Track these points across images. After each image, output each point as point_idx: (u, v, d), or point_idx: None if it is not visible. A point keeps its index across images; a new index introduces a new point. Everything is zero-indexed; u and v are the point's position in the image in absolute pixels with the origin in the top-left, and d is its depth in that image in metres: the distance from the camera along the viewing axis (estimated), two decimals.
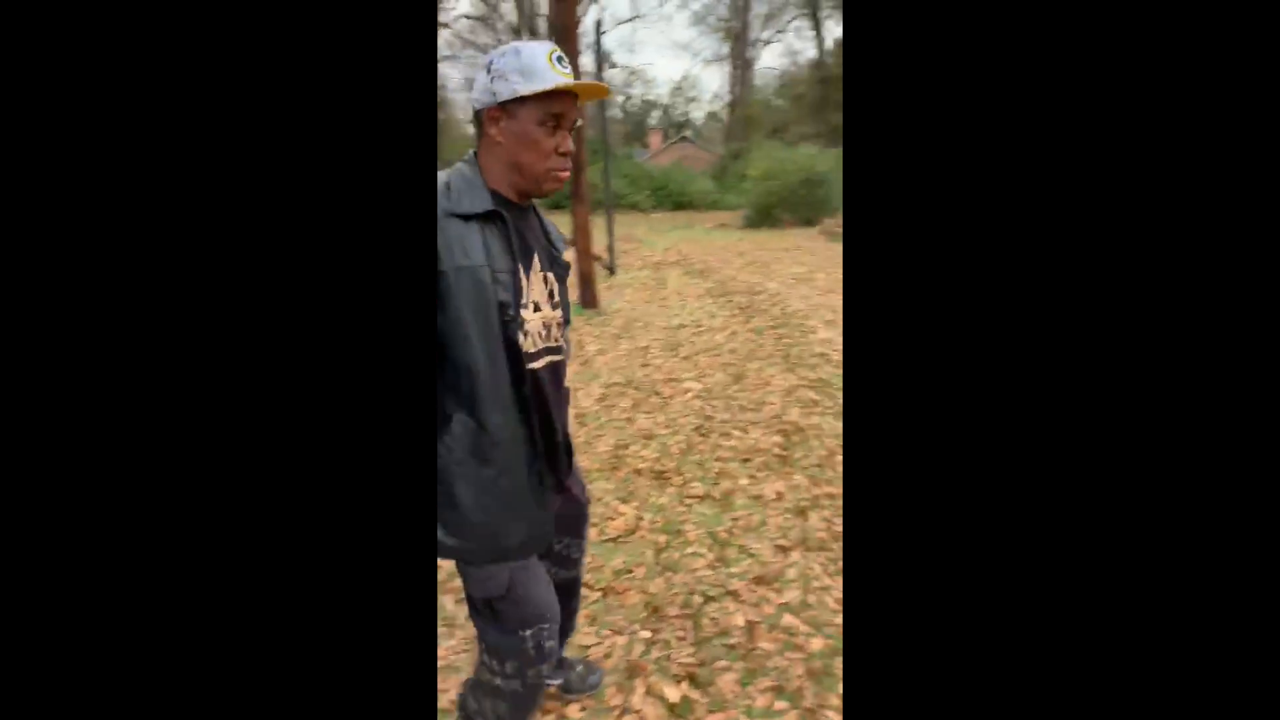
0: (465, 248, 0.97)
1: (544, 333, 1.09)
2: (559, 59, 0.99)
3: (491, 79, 0.99)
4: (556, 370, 1.13)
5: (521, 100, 0.98)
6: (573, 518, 1.32)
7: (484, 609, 1.08)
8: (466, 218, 0.98)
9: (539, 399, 1.06)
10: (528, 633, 1.08)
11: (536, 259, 1.08)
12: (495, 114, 1.01)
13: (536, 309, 1.07)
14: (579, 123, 1.07)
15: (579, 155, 1.10)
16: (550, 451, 1.11)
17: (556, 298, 1.13)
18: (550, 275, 1.12)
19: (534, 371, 1.05)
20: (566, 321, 1.20)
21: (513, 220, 1.04)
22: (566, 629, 1.44)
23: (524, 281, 1.04)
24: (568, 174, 1.06)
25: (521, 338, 1.02)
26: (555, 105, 0.99)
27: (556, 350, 1.12)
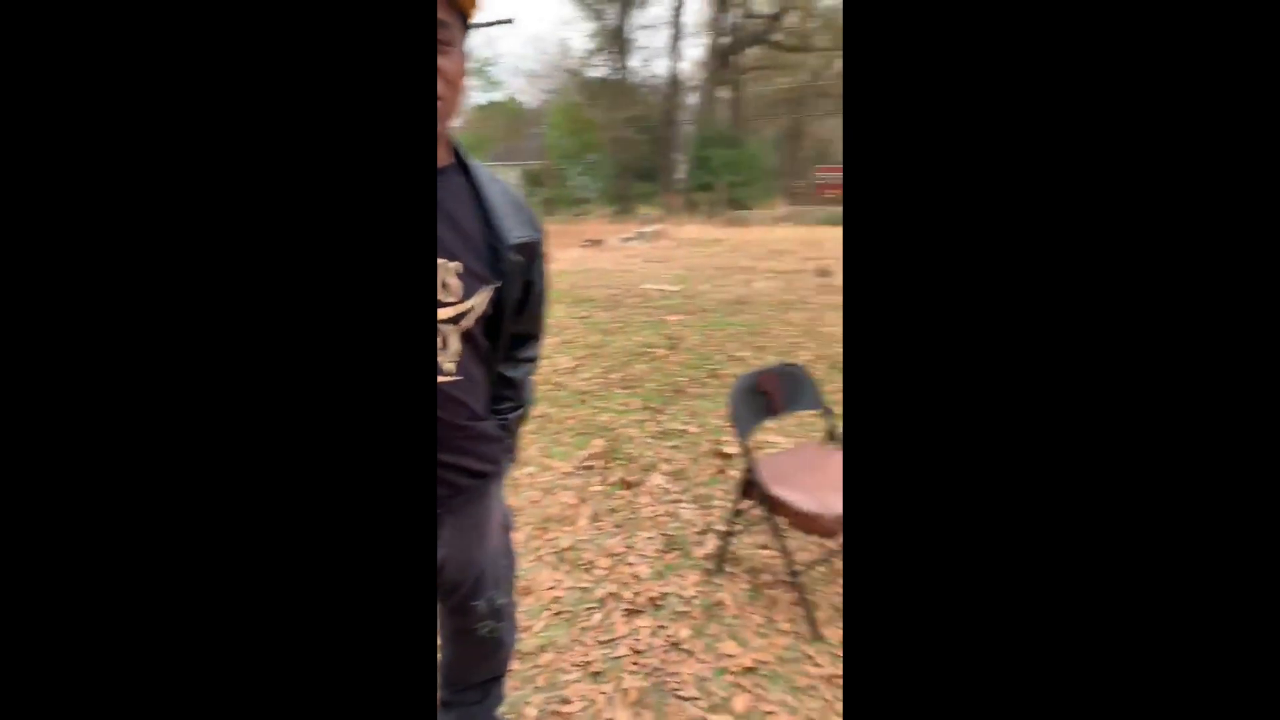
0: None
1: (441, 339, 0.84)
2: None
3: None
4: (441, 394, 0.85)
5: None
6: (467, 561, 1.03)
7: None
8: None
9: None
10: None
11: (440, 240, 0.81)
12: None
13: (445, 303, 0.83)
14: (453, 42, 0.76)
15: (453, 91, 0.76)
16: None
17: (461, 300, 0.83)
18: (454, 266, 0.82)
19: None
20: (497, 349, 0.93)
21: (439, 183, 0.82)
22: (461, 678, 1.20)
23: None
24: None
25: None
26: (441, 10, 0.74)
27: (444, 372, 0.85)
